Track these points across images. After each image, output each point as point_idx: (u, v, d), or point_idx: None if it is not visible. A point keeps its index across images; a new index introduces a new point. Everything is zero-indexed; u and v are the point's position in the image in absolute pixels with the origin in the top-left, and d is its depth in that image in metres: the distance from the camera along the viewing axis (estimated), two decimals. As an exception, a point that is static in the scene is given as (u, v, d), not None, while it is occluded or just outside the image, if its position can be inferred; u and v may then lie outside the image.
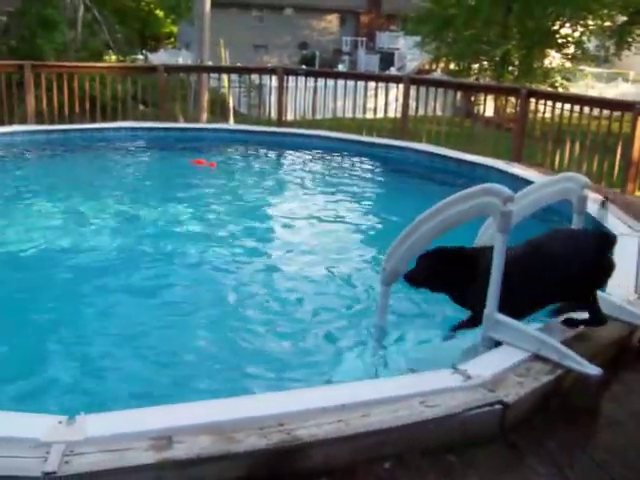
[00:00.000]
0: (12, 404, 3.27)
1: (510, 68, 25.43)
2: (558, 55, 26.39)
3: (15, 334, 4.22)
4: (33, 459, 2.21)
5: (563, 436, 2.85)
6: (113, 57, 23.59)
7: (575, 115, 9.14)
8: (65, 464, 2.21)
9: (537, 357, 3.18)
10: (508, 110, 13.04)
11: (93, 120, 11.36)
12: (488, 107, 11.64)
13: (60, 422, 2.44)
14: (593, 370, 3.02)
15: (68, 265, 5.52)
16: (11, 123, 10.74)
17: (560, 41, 25.78)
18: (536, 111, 10.31)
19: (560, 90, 23.66)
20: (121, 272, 5.42)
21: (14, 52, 19.30)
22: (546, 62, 26.25)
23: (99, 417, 2.56)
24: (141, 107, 13.54)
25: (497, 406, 2.78)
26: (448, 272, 3.62)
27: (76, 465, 2.22)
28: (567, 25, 25.64)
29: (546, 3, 23.49)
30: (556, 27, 25.52)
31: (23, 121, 10.84)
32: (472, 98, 13.35)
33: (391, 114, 11.94)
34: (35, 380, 3.69)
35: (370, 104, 12.39)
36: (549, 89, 22.59)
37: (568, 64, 26.23)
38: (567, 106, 9.26)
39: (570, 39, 25.89)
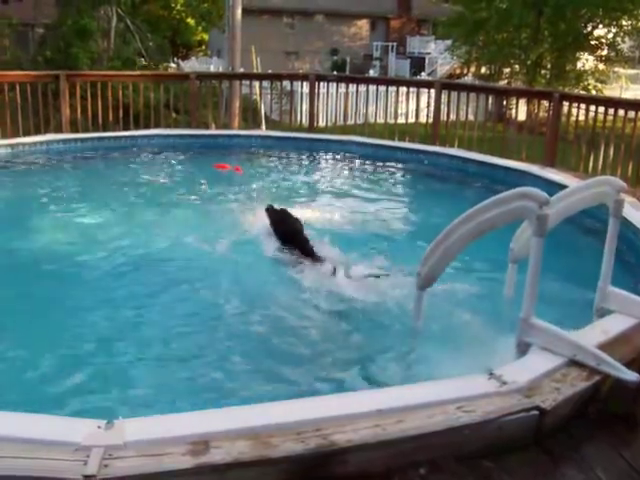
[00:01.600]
0: (53, 407, 3.31)
1: (542, 72, 25.23)
2: (591, 57, 26.11)
3: (54, 338, 4.29)
4: (74, 462, 2.24)
5: (600, 443, 2.83)
6: (145, 65, 23.85)
7: (609, 118, 9.04)
8: (104, 467, 2.24)
9: (573, 362, 3.15)
10: (541, 114, 12.92)
11: (126, 128, 11.51)
12: (520, 111, 11.55)
13: (99, 427, 2.47)
14: (630, 376, 2.98)
15: (102, 269, 5.60)
16: (46, 132, 10.92)
17: (593, 43, 25.52)
18: (569, 114, 10.23)
19: (593, 93, 23.41)
20: (157, 275, 5.49)
21: (49, 62, 19.64)
22: (579, 65, 26.00)
23: (137, 422, 2.59)
24: (173, 115, 13.66)
25: (533, 412, 2.76)
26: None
27: (115, 469, 2.25)
28: (600, 26, 25.35)
29: (579, 4, 23.24)
30: (589, 29, 25.27)
31: (58, 130, 11.00)
32: (504, 102, 13.28)
33: (422, 119, 11.92)
34: (69, 384, 3.75)
35: (401, 109, 12.38)
36: (582, 92, 22.37)
37: (601, 66, 25.94)
38: (601, 109, 9.16)
39: (603, 40, 25.62)
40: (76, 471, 2.21)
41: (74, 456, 2.28)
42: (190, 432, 2.45)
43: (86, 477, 2.19)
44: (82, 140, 10.69)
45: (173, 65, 27.88)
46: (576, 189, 4.27)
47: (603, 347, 3.24)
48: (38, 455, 2.27)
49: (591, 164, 9.19)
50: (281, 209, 6.30)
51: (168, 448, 2.37)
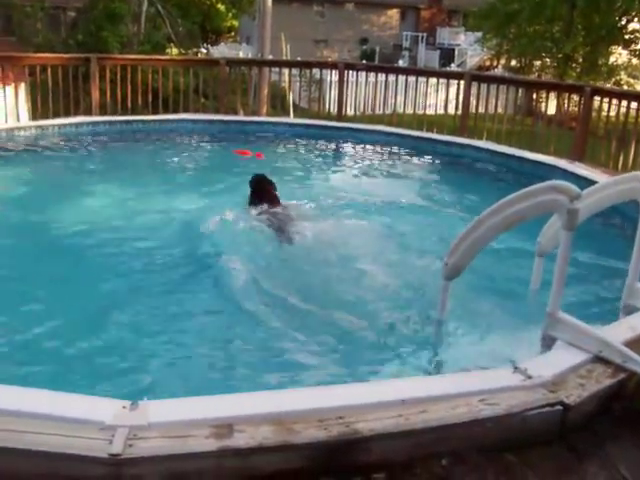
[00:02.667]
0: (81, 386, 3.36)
1: (573, 65, 24.96)
2: (624, 52, 25.76)
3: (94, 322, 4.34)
4: (99, 441, 2.27)
5: (624, 441, 2.80)
6: (174, 50, 23.91)
7: (642, 114, 8.93)
8: (129, 447, 2.26)
9: (599, 359, 3.12)
10: (571, 108, 12.80)
11: (155, 112, 11.55)
12: (550, 105, 11.44)
13: (124, 407, 2.49)
14: (657, 374, 2.96)
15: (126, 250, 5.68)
16: (76, 114, 11.00)
17: (627, 37, 25.17)
18: (600, 109, 10.12)
19: (625, 88, 23.12)
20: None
21: (80, 46, 19.77)
22: (611, 59, 25.69)
23: (161, 403, 2.61)
24: (202, 100, 13.69)
25: (557, 407, 2.74)
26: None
27: (139, 449, 2.27)
28: (635, 20, 24.97)
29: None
30: (623, 22, 24.91)
31: (87, 112, 11.08)
32: (534, 96, 13.17)
33: (451, 111, 11.85)
34: (94, 365, 3.80)
35: (430, 100, 12.32)
36: (614, 87, 22.11)
37: (635, 61, 25.60)
38: (633, 104, 9.05)
39: (639, 34, 25.26)
40: (102, 449, 2.23)
41: (100, 435, 2.31)
42: (214, 415, 2.47)
43: (111, 455, 2.21)
44: (111, 123, 10.74)
45: (204, 50, 27.90)
46: (606, 184, 4.24)
47: (630, 344, 3.21)
48: (64, 432, 2.30)
49: (621, 160, 9.09)
50: (256, 174, 6.91)
51: (192, 430, 2.38)
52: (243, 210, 6.49)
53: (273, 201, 6.58)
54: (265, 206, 6.47)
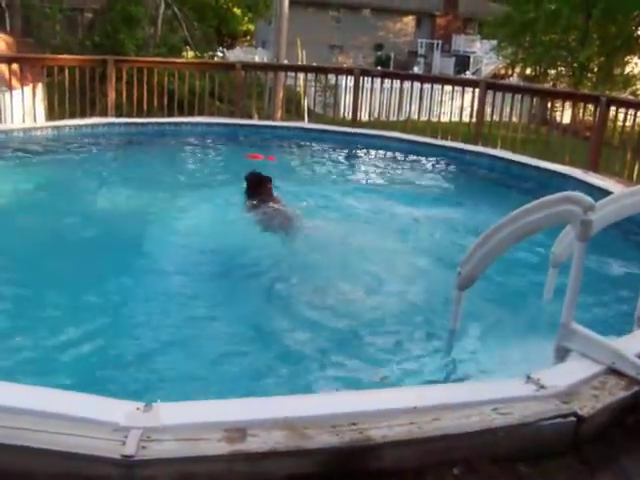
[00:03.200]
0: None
1: (589, 75, 24.89)
2: (641, 62, 25.71)
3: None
4: (113, 442, 2.28)
5: (638, 454, 2.79)
6: (190, 53, 24.01)
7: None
8: (142, 449, 2.27)
9: (612, 370, 3.11)
10: (585, 118, 12.76)
11: (170, 114, 11.59)
12: (565, 114, 11.41)
13: (138, 408, 2.50)
14: (671, 387, 2.95)
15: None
16: (92, 115, 11.06)
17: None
18: (616, 119, 10.08)
19: (641, 98, 23.05)
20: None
21: (97, 47, 19.90)
22: (627, 69, 25.60)
23: (174, 406, 2.62)
24: (217, 103, 13.74)
25: (571, 418, 2.73)
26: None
27: (152, 451, 2.28)
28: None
29: (631, 6, 22.81)
30: (639, 32, 24.83)
31: (103, 113, 11.14)
32: (549, 105, 13.14)
33: (465, 118, 11.84)
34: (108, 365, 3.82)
35: (445, 108, 12.31)
36: (630, 97, 22.03)
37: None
38: (650, 115, 9.02)
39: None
40: (115, 450, 2.24)
41: (113, 436, 2.32)
42: (227, 419, 2.47)
43: (124, 457, 2.22)
44: (127, 125, 10.79)
45: (220, 54, 28.02)
46: (621, 195, 4.22)
47: (644, 356, 3.20)
48: (78, 432, 2.31)
49: (636, 170, 9.05)
50: (252, 172, 7.16)
51: (204, 434, 2.39)
52: (244, 206, 6.69)
53: (269, 195, 6.87)
54: (261, 200, 6.72)
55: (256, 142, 10.80)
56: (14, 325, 4.25)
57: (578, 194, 3.34)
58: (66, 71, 10.69)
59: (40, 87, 11.21)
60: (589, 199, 3.27)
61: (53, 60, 11.89)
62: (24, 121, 10.47)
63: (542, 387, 2.87)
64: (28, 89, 11.07)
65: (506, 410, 2.70)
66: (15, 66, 10.75)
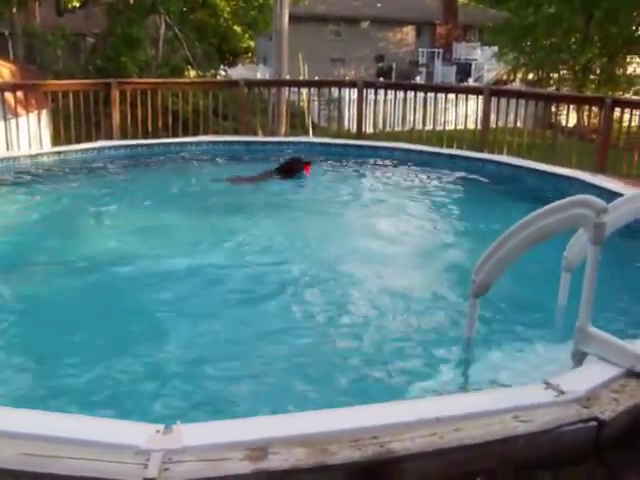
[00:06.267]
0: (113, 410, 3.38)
1: (591, 76, 24.88)
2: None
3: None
4: (135, 465, 2.27)
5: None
6: (192, 72, 24.14)
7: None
8: (164, 471, 2.26)
9: (631, 373, 3.09)
10: (590, 120, 12.74)
11: (175, 134, 11.63)
12: (570, 118, 11.40)
13: (158, 431, 2.49)
14: (692, 389, 2.92)
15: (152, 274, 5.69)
16: (97, 138, 11.11)
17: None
18: (621, 121, 10.06)
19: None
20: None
21: (99, 71, 20.02)
22: (629, 69, 25.59)
23: (195, 427, 2.62)
24: (220, 121, 13.78)
25: (592, 423, 2.71)
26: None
27: (174, 473, 2.27)
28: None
29: (632, 7, 22.82)
30: (641, 32, 24.85)
31: (108, 136, 11.19)
32: (553, 109, 13.12)
33: (470, 125, 11.83)
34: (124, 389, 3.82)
35: (449, 116, 12.31)
36: (634, 97, 22.01)
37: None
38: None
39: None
40: (137, 474, 2.23)
41: (135, 459, 2.31)
42: (248, 438, 2.46)
43: (147, 480, 2.22)
44: (132, 147, 10.83)
45: (222, 72, 28.15)
46: (633, 197, 4.22)
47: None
48: (100, 457, 2.31)
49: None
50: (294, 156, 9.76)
51: (226, 453, 2.38)
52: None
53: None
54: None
55: (261, 158, 10.79)
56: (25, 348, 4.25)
57: (590, 197, 3.34)
58: (70, 96, 10.75)
59: (45, 113, 11.27)
60: (601, 202, 3.27)
61: (57, 86, 11.96)
62: (30, 147, 10.51)
63: (562, 392, 2.86)
64: (33, 115, 11.13)
65: (527, 417, 2.68)
66: (20, 93, 10.82)
